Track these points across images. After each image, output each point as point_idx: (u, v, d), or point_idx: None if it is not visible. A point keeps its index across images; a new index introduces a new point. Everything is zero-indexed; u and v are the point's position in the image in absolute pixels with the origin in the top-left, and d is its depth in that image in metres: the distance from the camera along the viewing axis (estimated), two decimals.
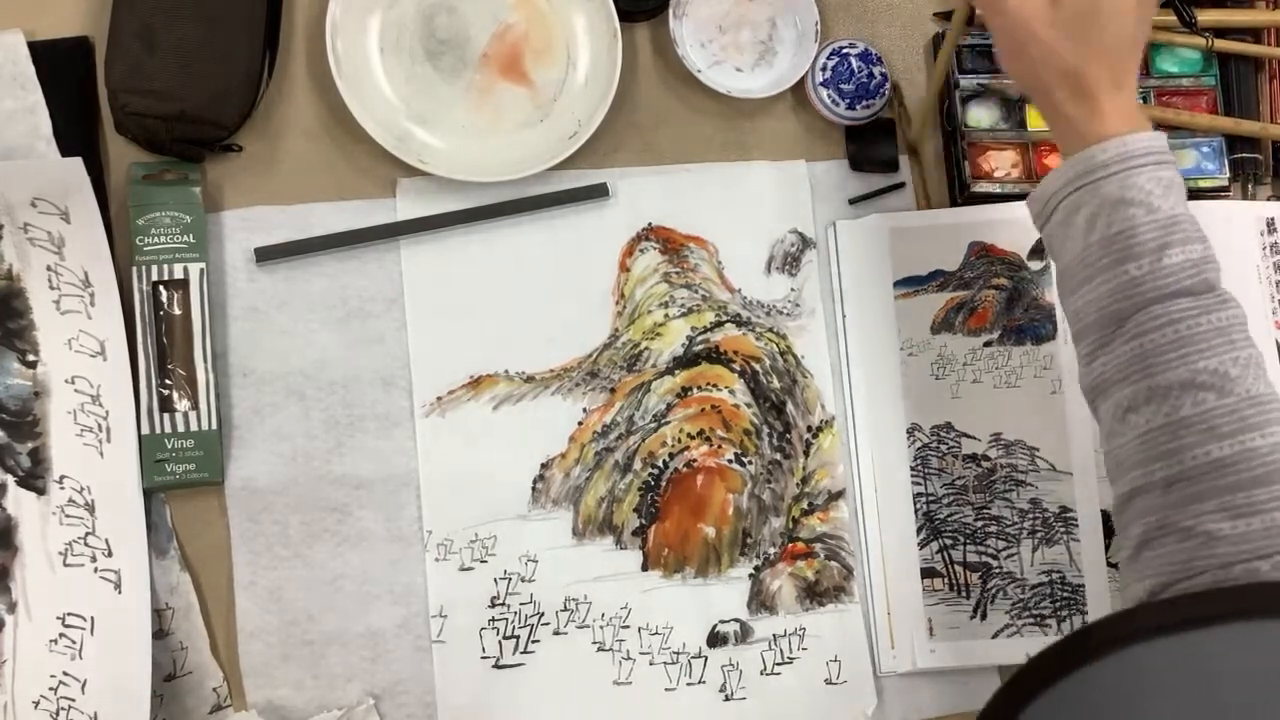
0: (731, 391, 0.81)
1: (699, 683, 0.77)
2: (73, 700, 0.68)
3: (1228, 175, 0.86)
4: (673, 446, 0.79)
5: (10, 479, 0.69)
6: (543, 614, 0.76)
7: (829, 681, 0.78)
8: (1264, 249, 0.84)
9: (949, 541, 0.80)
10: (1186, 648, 0.39)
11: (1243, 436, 0.56)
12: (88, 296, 0.71)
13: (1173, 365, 0.58)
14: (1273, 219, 0.84)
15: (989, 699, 0.42)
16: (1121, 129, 0.61)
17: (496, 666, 0.75)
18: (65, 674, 0.68)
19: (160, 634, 0.71)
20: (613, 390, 0.79)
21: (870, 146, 0.85)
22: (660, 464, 0.79)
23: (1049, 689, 0.40)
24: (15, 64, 0.74)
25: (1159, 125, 0.87)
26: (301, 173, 0.78)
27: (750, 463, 0.80)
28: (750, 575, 0.79)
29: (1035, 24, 0.62)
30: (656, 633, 0.77)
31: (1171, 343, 0.58)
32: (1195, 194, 0.86)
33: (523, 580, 0.76)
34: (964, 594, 0.79)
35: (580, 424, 0.78)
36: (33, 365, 0.71)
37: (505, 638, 0.75)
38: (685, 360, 0.80)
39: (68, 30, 0.76)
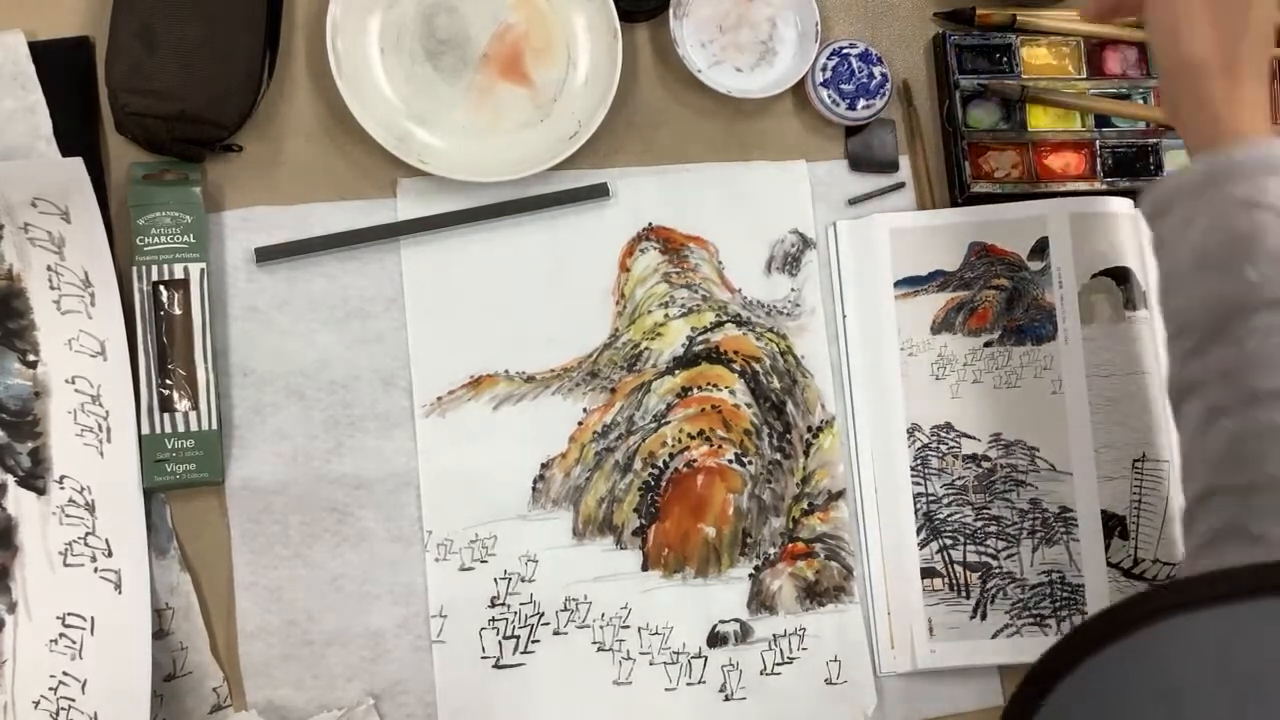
0: (731, 391, 0.81)
1: (699, 683, 0.77)
2: (73, 700, 0.68)
3: None
4: (673, 446, 0.79)
5: (10, 479, 0.69)
6: (543, 614, 0.76)
7: (829, 681, 0.78)
8: None
9: (949, 541, 0.80)
10: (1217, 621, 0.39)
11: None
12: (88, 296, 0.71)
13: (1274, 374, 0.57)
14: None
15: (1022, 679, 0.42)
16: (1260, 129, 0.61)
17: (496, 666, 0.75)
18: (65, 674, 0.68)
19: (160, 634, 0.71)
20: (613, 390, 0.79)
21: (870, 146, 0.85)
22: (660, 464, 0.79)
23: (1080, 665, 0.41)
24: (15, 64, 0.74)
25: (1159, 125, 0.87)
26: (301, 173, 0.78)
27: (750, 463, 0.80)
28: (750, 575, 0.79)
29: None
30: (656, 633, 0.77)
31: (1278, 349, 0.57)
32: None
33: (523, 580, 0.76)
34: (964, 594, 0.79)
35: (580, 424, 0.78)
36: (33, 365, 0.71)
37: (505, 638, 0.75)
38: (685, 360, 0.80)
39: (68, 30, 0.76)
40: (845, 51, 0.83)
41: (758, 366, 0.81)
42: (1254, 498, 0.56)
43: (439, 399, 0.77)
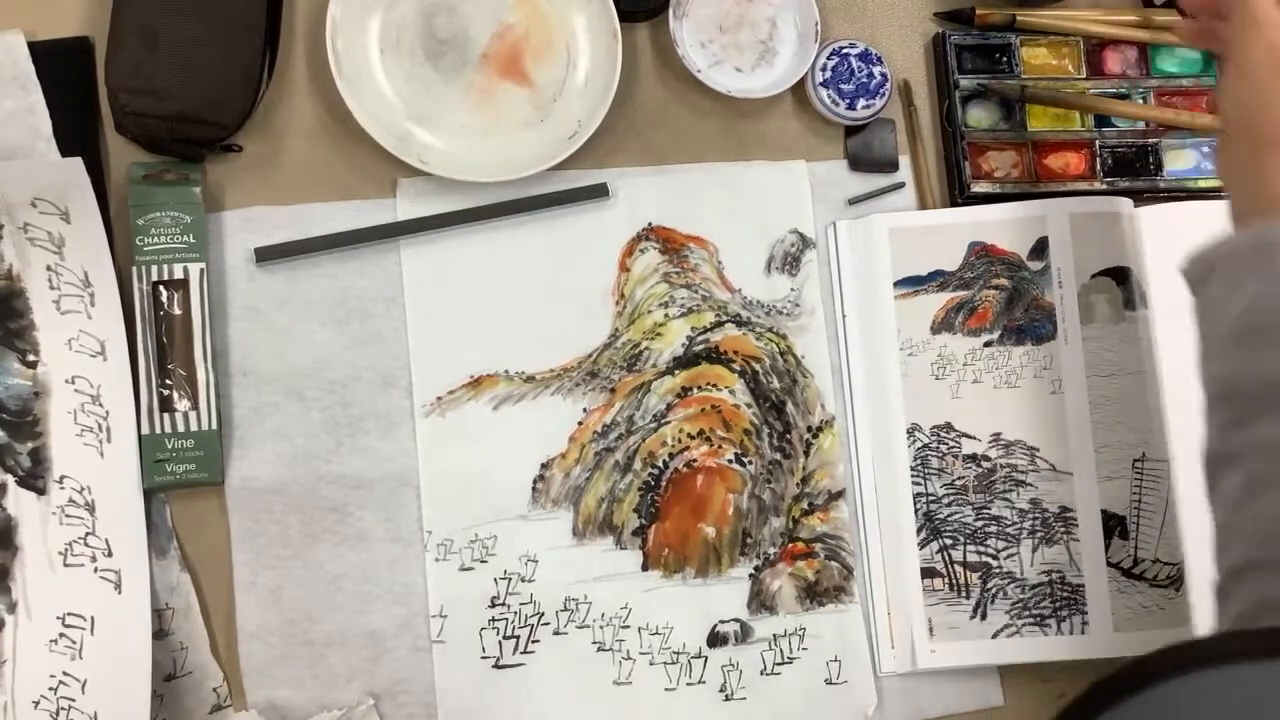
0: (731, 391, 0.81)
1: (699, 683, 0.77)
2: (73, 700, 0.68)
3: None
4: (673, 446, 0.79)
5: (10, 479, 0.69)
6: (543, 614, 0.76)
7: (829, 681, 0.78)
8: None
9: (949, 541, 0.80)
10: (1239, 678, 0.39)
11: None
12: (88, 296, 0.71)
13: None
14: None
15: None
16: None
17: (496, 666, 0.75)
18: (65, 674, 0.68)
19: (160, 634, 0.71)
20: (613, 390, 0.79)
21: (870, 146, 0.85)
22: (660, 464, 0.79)
23: (1100, 716, 0.40)
24: (15, 64, 0.74)
25: (1159, 125, 0.87)
26: (301, 173, 0.78)
27: (750, 463, 0.80)
28: (750, 575, 0.79)
29: None
30: (656, 633, 0.77)
31: None
32: (1195, 194, 0.86)
33: (523, 580, 0.76)
34: (964, 594, 0.79)
35: (580, 424, 0.78)
36: (33, 365, 0.71)
37: (505, 638, 0.75)
38: (685, 360, 0.80)
39: (68, 30, 0.76)
40: (845, 51, 0.83)
41: (758, 366, 0.81)
42: None
43: (439, 399, 0.77)
